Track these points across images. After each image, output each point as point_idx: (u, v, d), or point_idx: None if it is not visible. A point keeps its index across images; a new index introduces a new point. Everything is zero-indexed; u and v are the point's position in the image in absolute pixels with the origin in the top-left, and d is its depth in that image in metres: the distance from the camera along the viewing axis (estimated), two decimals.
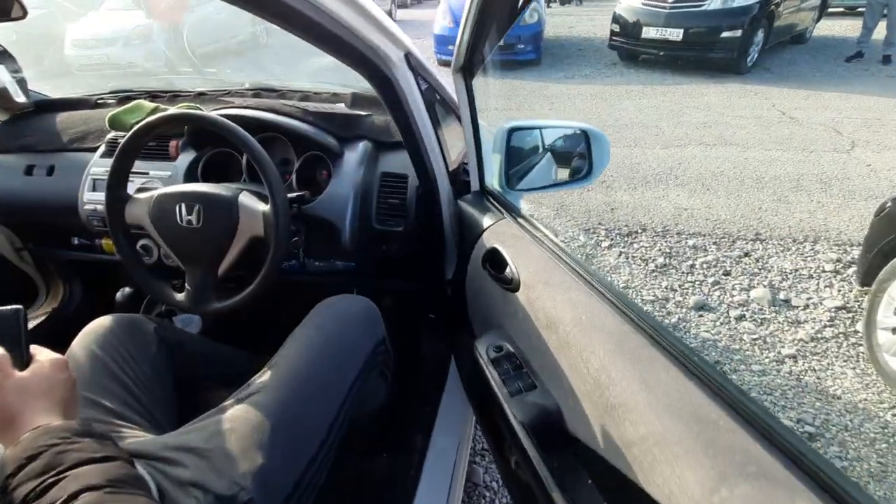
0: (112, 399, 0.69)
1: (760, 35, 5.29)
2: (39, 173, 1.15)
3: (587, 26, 7.67)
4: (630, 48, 5.66)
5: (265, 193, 0.84)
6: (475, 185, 0.88)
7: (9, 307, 0.47)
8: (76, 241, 1.25)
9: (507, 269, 0.65)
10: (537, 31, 5.57)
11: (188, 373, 0.87)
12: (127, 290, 1.21)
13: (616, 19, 5.61)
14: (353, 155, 1.00)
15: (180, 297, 0.84)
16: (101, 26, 5.14)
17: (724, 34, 5.06)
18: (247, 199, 0.81)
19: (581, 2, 10.06)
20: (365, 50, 0.65)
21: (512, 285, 0.64)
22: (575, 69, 5.74)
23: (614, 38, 5.70)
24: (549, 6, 9.64)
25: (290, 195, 0.87)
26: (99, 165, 1.09)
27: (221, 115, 0.87)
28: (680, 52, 5.35)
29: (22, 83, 1.23)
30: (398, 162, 1.02)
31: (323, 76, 1.45)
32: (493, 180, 0.88)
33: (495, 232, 0.73)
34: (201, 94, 1.32)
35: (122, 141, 0.84)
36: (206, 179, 1.05)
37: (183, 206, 0.80)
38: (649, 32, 5.32)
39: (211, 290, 0.82)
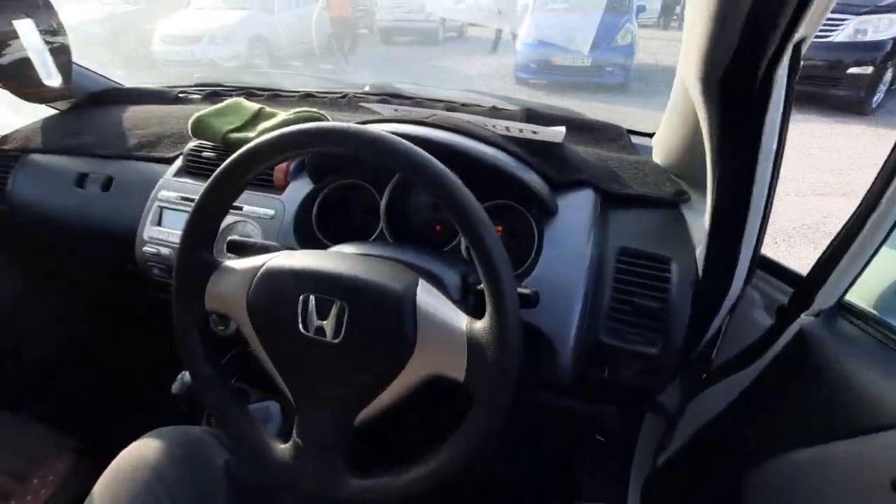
0: None
1: (889, 74, 4.70)
2: (92, 187, 0.85)
3: (669, 52, 7.13)
4: None
5: (454, 282, 0.47)
6: (831, 299, 0.47)
7: None
8: (130, 267, 0.94)
9: None
10: (630, 53, 5.12)
11: None
12: (188, 377, 0.84)
13: None
14: (577, 211, 0.60)
15: (284, 453, 0.46)
16: (188, 24, 5.39)
17: (852, 70, 4.53)
18: (432, 302, 0.41)
19: (667, 26, 9.50)
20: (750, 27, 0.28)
21: None
22: (664, 96, 5.22)
23: None
24: None
25: None
26: (171, 188, 0.77)
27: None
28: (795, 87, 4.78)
29: (62, 57, 0.89)
30: (639, 230, 0.61)
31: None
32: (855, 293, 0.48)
33: None
34: (309, 94, 1.00)
35: (223, 159, 0.47)
36: (322, 228, 0.69)
37: (312, 299, 0.42)
38: None
39: (340, 453, 0.44)
